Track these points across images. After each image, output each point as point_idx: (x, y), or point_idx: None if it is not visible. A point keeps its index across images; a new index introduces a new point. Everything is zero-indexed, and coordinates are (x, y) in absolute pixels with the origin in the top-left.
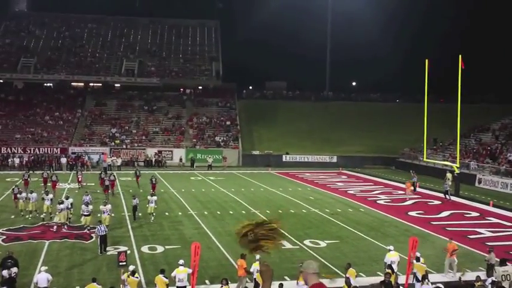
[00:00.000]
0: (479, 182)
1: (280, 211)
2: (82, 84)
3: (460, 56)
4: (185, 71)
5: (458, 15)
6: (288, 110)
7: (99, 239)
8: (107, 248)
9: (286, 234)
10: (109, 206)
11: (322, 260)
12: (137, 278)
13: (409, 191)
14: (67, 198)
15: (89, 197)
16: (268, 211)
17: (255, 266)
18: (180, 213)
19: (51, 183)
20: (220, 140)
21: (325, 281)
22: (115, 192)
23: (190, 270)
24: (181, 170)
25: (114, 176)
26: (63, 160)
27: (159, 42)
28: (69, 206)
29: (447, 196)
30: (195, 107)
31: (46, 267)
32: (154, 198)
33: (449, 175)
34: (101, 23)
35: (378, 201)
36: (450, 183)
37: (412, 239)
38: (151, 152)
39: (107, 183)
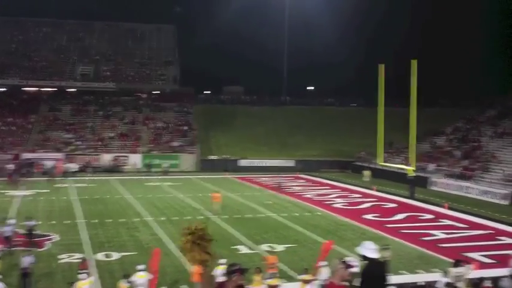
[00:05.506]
0: (433, 185)
1: (237, 216)
2: (36, 89)
3: (415, 61)
4: (141, 76)
5: (413, 20)
6: (245, 115)
7: (20, 274)
8: (61, 256)
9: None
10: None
11: (281, 264)
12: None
13: (217, 203)
14: None
15: (10, 227)
16: (226, 216)
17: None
18: (136, 219)
19: None
20: (177, 145)
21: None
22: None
23: (150, 276)
24: (137, 176)
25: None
26: (10, 166)
27: (115, 47)
28: None
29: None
30: (152, 111)
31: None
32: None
33: (366, 172)
34: (57, 27)
35: (334, 205)
36: (368, 179)
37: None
38: (107, 157)
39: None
